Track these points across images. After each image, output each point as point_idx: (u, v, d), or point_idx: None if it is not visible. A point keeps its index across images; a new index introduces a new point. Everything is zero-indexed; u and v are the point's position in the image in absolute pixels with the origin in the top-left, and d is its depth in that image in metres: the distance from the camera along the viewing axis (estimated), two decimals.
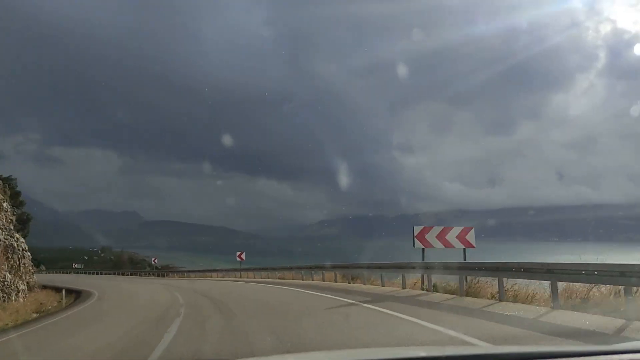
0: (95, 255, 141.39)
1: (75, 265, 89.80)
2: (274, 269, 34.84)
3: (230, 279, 38.69)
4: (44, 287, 28.67)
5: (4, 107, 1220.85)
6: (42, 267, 69.94)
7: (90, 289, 27.78)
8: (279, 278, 31.65)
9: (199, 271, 51.23)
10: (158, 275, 57.46)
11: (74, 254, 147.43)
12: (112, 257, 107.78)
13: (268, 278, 33.00)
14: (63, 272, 75.66)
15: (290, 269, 31.85)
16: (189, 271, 55.65)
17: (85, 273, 77.10)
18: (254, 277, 35.89)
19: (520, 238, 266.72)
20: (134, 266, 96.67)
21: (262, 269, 38.45)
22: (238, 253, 42.65)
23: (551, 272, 10.56)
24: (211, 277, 44.47)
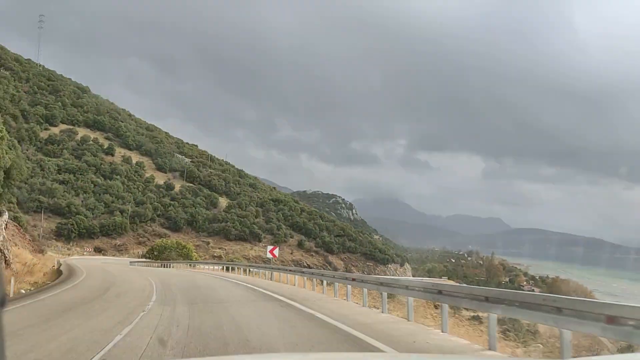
0: (462, 258, 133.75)
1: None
2: None
3: None
4: None
5: (382, 114, 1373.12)
6: (407, 266, 62.14)
7: None
8: None
9: None
10: None
11: (440, 256, 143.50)
12: (481, 262, 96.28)
13: None
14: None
15: None
16: None
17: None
18: None
19: None
20: (507, 274, 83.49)
21: None
22: (270, 249, 36.25)
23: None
24: None
